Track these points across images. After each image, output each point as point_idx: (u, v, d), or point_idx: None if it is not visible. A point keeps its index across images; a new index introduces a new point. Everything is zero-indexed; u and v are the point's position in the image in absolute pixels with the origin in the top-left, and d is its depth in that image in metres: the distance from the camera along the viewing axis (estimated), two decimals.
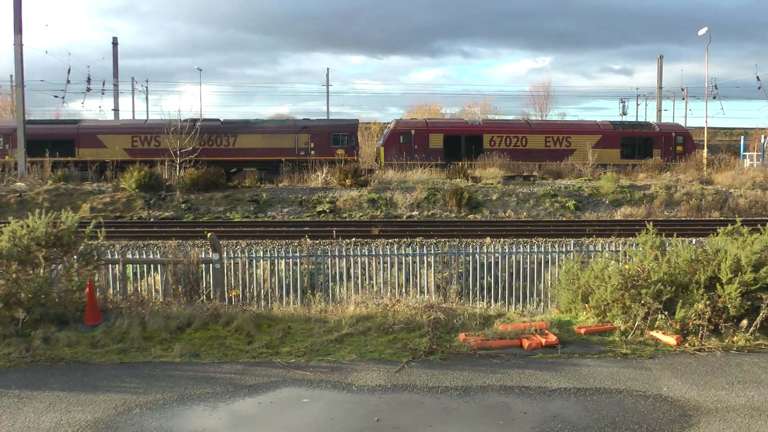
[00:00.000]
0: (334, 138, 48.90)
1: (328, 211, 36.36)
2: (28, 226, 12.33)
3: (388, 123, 56.38)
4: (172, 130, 46.09)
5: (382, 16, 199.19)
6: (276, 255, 15.09)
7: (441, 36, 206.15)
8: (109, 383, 9.73)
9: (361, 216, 35.62)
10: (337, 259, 15.24)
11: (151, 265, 14.53)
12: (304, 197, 37.70)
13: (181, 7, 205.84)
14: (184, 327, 11.79)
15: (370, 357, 10.52)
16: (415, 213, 36.04)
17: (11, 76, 68.83)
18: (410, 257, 14.99)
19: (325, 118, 51.65)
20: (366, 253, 15.27)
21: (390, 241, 26.41)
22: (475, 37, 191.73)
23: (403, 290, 14.51)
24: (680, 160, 50.34)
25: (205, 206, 37.40)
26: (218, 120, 52.70)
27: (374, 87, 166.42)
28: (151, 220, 35.92)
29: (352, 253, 15.53)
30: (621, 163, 49.51)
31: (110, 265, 14.15)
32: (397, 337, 11.24)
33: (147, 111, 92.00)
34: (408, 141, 49.87)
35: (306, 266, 15.28)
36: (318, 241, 24.78)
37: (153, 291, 14.16)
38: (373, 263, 15.11)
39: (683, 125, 63.25)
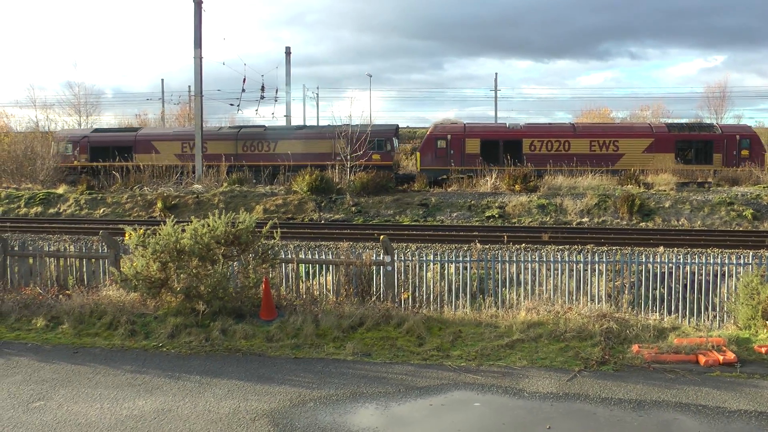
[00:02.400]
0: (369, 143, 48.30)
1: (497, 216, 36.16)
2: (208, 226, 12.88)
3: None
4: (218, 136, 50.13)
5: (546, 19, 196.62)
6: (446, 259, 15.14)
7: (607, 38, 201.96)
8: (283, 376, 10.06)
9: (531, 222, 35.25)
10: (507, 264, 15.15)
11: (323, 266, 14.85)
12: (472, 202, 37.64)
13: (345, 16, 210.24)
14: (356, 326, 12.03)
15: (541, 364, 10.43)
16: (585, 219, 35.37)
17: (189, 86, 72.18)
18: (581, 264, 14.72)
19: (362, 124, 52.25)
20: (536, 259, 15.12)
21: (560, 247, 26.08)
22: (643, 37, 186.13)
23: (573, 298, 14.29)
24: (746, 165, 46.13)
25: (374, 209, 37.91)
26: (263, 126, 54.66)
27: (541, 91, 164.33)
28: (322, 222, 36.67)
29: (522, 259, 15.39)
30: (676, 168, 45.28)
31: (283, 264, 14.56)
32: (568, 345, 11.09)
33: (317, 117, 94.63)
34: (444, 146, 48.37)
35: (476, 271, 15.26)
36: (487, 246, 24.72)
37: (325, 290, 14.47)
38: (543, 269, 14.94)
39: (750, 126, 55.94)
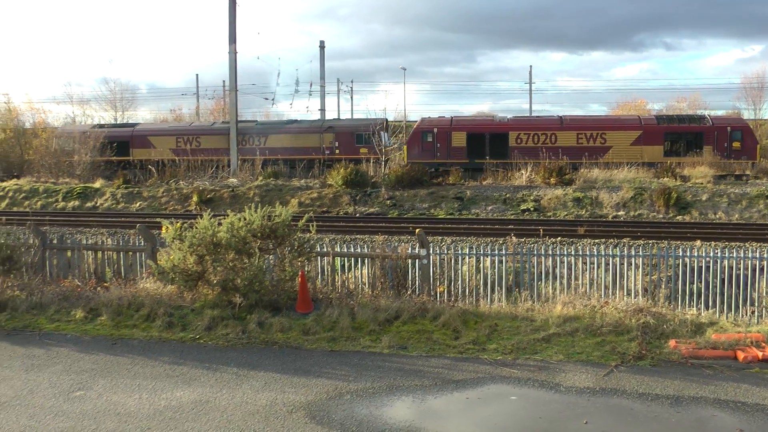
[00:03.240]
0: (358, 137, 50.57)
1: (532, 209, 36.00)
2: (245, 219, 12.96)
3: None
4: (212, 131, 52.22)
5: (579, 11, 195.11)
6: (482, 252, 15.10)
7: (641, 29, 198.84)
8: (320, 369, 10.11)
9: (566, 215, 35.06)
10: (542, 257, 15.09)
11: (359, 259, 14.88)
12: (507, 195, 37.51)
13: (377, 10, 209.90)
14: (391, 319, 12.06)
15: (577, 358, 10.39)
16: (621, 213, 35.10)
17: (224, 81, 72.83)
18: (617, 258, 14.62)
19: (350, 118, 54.16)
20: (572, 253, 15.04)
21: (596, 241, 25.91)
22: (678, 27, 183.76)
23: (609, 292, 14.21)
24: (739, 158, 45.25)
25: (409, 203, 37.90)
26: (255, 121, 57.14)
27: (576, 84, 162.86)
28: (357, 215, 36.74)
29: (558, 252, 15.32)
30: (664, 161, 44.88)
31: (319, 258, 14.61)
32: (605, 340, 11.04)
33: (351, 110, 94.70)
34: (431, 139, 48.27)
35: (511, 264, 15.22)
36: (523, 240, 24.64)
37: (360, 283, 14.50)
38: (579, 263, 14.86)
39: (743, 118, 55.64)
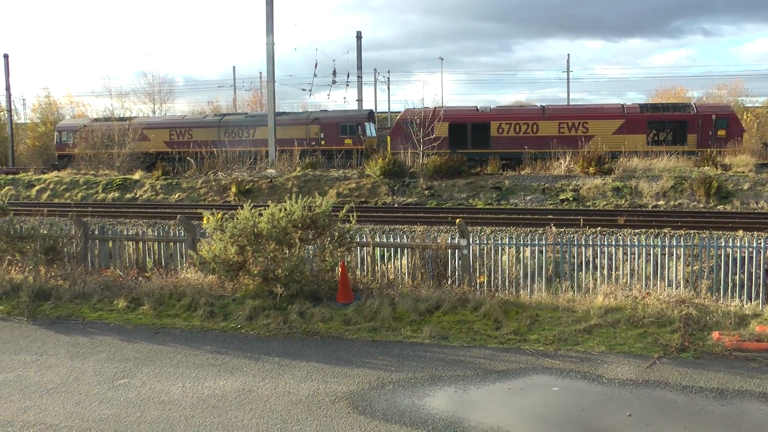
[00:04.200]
0: (342, 128, 52.09)
1: (571, 199, 35.76)
2: (285, 210, 13.00)
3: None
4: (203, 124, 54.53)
5: None
6: (522, 242, 15.05)
7: (679, 15, 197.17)
8: (361, 359, 10.14)
9: (605, 205, 34.76)
10: (583, 248, 15.00)
11: (399, 249, 14.88)
12: (546, 185, 37.29)
13: (411, 0, 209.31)
14: (432, 310, 12.06)
15: (619, 350, 10.32)
16: (661, 202, 34.74)
17: (261, 73, 73.32)
18: (658, 248, 14.49)
19: (335, 110, 57.28)
20: (612, 243, 14.93)
21: (636, 231, 25.70)
22: (716, 13, 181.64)
23: (651, 283, 14.10)
24: (724, 146, 44.16)
25: (447, 193, 37.82)
26: (244, 114, 59.23)
27: (613, 72, 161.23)
28: (395, 205, 36.74)
29: (598, 243, 15.22)
30: (648, 150, 44.15)
31: (359, 248, 14.63)
32: (647, 331, 10.95)
33: (388, 101, 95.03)
34: (412, 129, 47.35)
35: (551, 254, 15.15)
36: (562, 229, 24.52)
37: (400, 274, 14.51)
38: (619, 253, 14.75)
39: (729, 106, 54.15)
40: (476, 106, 51.11)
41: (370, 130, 54.69)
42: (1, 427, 8.06)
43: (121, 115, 70.20)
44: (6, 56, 74.35)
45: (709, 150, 43.98)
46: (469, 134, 47.47)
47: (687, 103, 49.78)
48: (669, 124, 47.68)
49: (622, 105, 50.19)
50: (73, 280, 14.41)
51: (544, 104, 50.55)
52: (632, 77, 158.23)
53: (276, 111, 59.38)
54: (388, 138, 50.62)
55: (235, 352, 10.60)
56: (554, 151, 42.68)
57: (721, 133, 45.99)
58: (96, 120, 61.77)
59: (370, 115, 56.58)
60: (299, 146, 49.37)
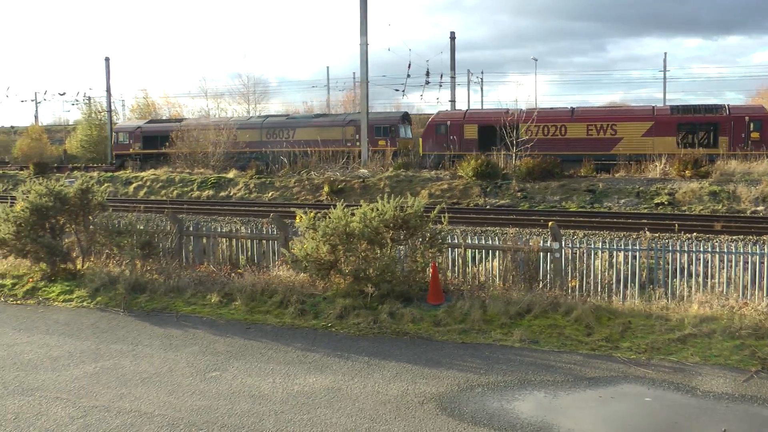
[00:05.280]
0: (377, 130, 52.56)
1: (666, 203, 35.00)
2: (377, 209, 13.03)
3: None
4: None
5: None
6: (615, 247, 14.78)
7: None
8: (451, 361, 10.11)
9: (701, 209, 33.90)
10: (678, 254, 14.66)
11: (490, 251, 14.78)
12: (641, 188, 36.57)
13: (503, 0, 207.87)
14: (523, 313, 11.93)
15: (714, 361, 10.01)
16: (760, 208, 33.66)
17: (354, 73, 74.20)
18: (756, 256, 14.04)
19: (373, 112, 57.57)
20: (708, 249, 14.55)
21: (734, 237, 25.01)
22: None
23: (748, 292, 13.68)
24: (758, 148, 41.77)
25: (540, 195, 37.45)
26: (285, 115, 60.95)
27: (712, 71, 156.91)
28: (487, 207, 36.56)
29: (693, 249, 14.84)
30: (677, 153, 41.75)
31: (450, 249, 14.58)
32: (744, 343, 10.57)
33: (481, 101, 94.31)
34: (444, 132, 48.73)
35: (645, 260, 14.84)
36: (656, 234, 24.05)
37: (491, 276, 14.41)
38: (716, 260, 14.36)
39: (764, 107, 50.52)
40: (507, 109, 50.86)
41: (405, 131, 55.92)
42: (99, 412, 8.30)
43: (217, 116, 72.51)
44: (107, 59, 76.58)
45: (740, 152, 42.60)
46: (498, 136, 47.08)
47: (720, 105, 48.05)
48: (700, 126, 46.26)
49: (653, 107, 49.53)
50: (168, 274, 14.74)
51: (574, 106, 50.18)
52: (731, 76, 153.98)
53: (314, 113, 61.58)
54: (420, 140, 51.35)
55: (324, 350, 10.68)
56: (579, 153, 43.60)
57: (755, 135, 44.24)
58: (151, 122, 66.26)
59: (405, 117, 57.64)
60: (335, 147, 50.44)
